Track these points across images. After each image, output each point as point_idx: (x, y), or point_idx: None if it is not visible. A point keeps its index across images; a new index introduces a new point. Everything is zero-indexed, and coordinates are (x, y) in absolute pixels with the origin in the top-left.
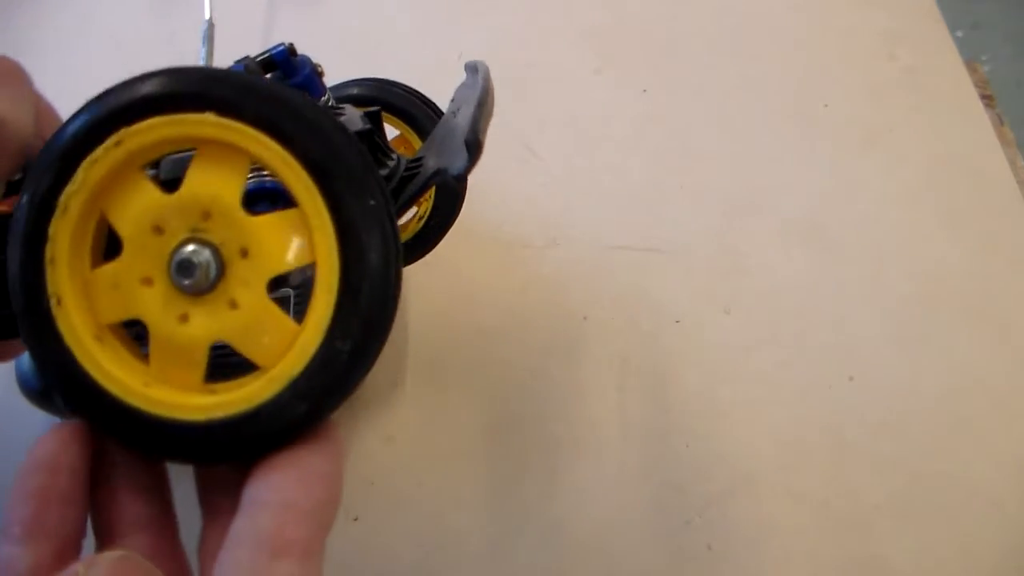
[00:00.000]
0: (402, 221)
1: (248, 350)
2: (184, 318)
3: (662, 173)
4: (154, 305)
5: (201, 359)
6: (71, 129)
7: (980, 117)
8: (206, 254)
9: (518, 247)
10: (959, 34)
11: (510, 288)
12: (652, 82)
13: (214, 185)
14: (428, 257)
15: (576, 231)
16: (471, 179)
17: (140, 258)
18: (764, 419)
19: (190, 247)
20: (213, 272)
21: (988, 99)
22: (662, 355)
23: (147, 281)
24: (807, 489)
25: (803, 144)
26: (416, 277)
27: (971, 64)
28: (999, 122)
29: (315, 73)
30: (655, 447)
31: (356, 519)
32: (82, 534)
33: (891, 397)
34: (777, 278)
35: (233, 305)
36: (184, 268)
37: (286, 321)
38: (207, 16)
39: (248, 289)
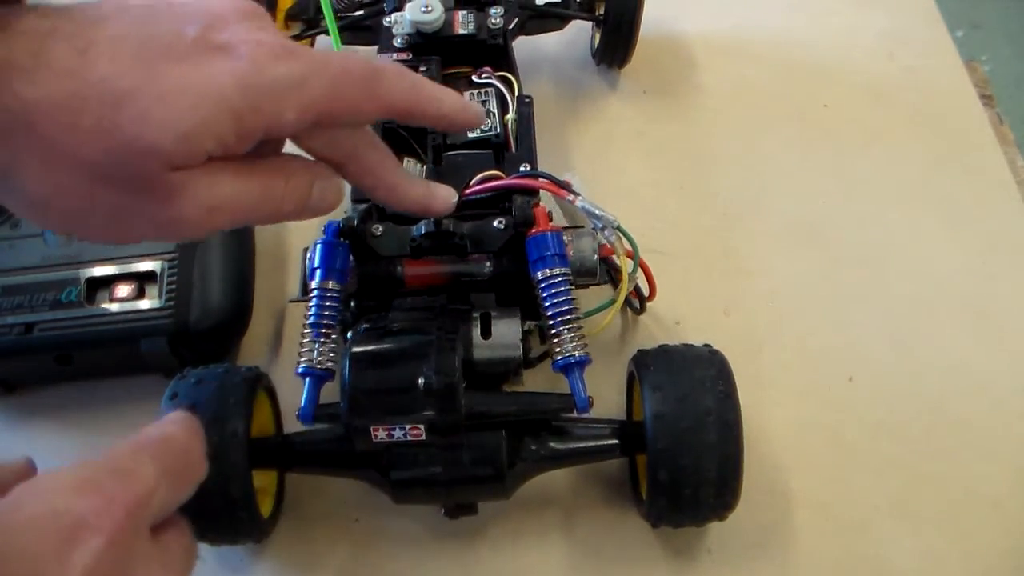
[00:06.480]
0: None
1: None
2: None
3: (662, 173)
4: None
5: None
6: None
7: (980, 117)
8: None
9: None
10: (959, 34)
11: None
12: (651, 83)
13: None
14: None
15: None
16: None
17: None
18: (764, 419)
19: None
20: None
21: (988, 99)
22: None
23: None
24: (807, 490)
25: (803, 144)
26: None
27: (971, 64)
28: (999, 122)
29: None
30: None
31: (356, 520)
32: None
33: (891, 397)
34: (777, 279)
35: None
36: None
37: None
38: None
39: None
